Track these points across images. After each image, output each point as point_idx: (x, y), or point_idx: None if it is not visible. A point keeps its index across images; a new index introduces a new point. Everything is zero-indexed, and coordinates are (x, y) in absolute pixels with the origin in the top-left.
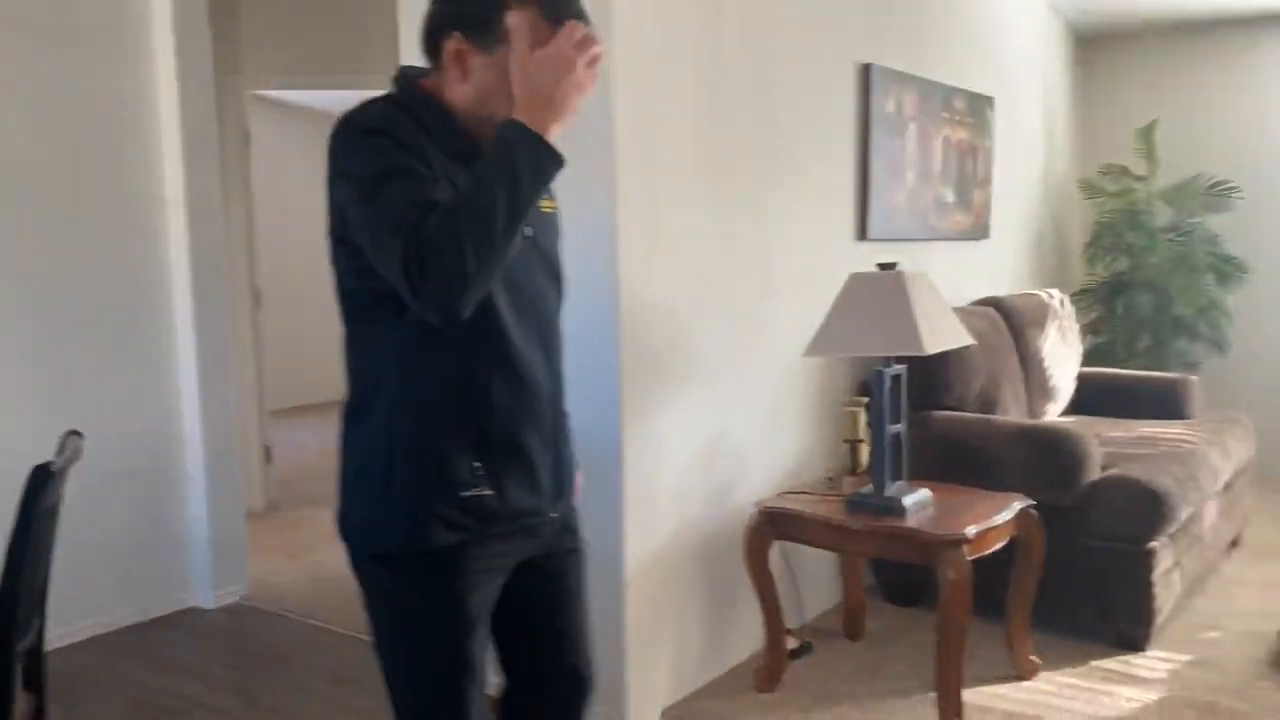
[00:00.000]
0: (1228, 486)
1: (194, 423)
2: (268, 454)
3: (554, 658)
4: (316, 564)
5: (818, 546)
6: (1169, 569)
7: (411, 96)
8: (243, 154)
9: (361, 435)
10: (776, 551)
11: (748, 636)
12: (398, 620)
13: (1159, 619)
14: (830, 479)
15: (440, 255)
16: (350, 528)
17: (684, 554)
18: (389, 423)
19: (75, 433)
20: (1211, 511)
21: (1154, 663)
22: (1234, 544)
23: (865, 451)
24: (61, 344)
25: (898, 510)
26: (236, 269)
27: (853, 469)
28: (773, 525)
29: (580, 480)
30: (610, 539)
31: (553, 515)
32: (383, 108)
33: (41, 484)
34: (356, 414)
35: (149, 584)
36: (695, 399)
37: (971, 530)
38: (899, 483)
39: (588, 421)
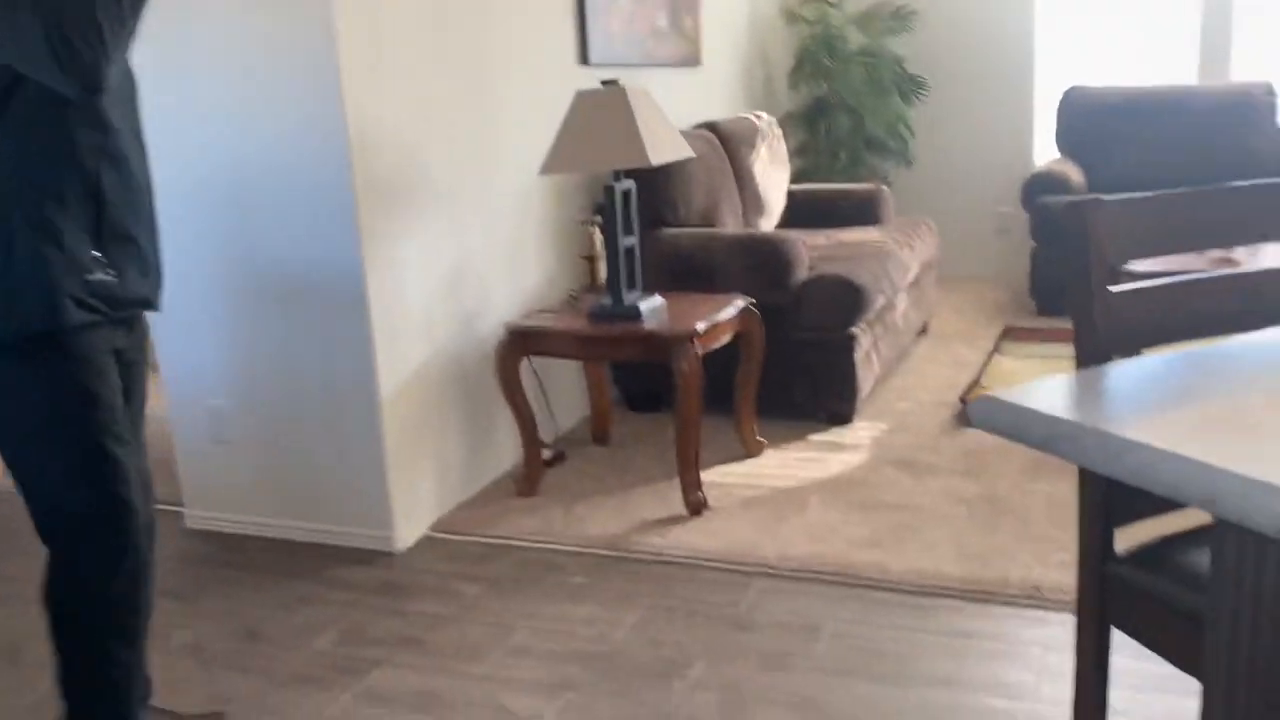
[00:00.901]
0: (916, 281)
1: None
2: None
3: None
4: None
5: (565, 357)
6: (868, 352)
7: None
8: None
9: None
10: (527, 369)
11: (505, 452)
12: (32, 412)
13: (861, 395)
14: (572, 297)
15: (81, 26)
16: None
17: (438, 379)
18: (5, 195)
19: None
20: (903, 302)
21: (859, 433)
22: (922, 332)
23: (602, 267)
24: None
25: (635, 316)
26: None
27: (591, 284)
28: (522, 342)
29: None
30: (361, 368)
31: (154, 306)
32: None
33: None
34: None
35: None
36: (434, 226)
37: (700, 326)
38: (635, 292)
39: (326, 251)
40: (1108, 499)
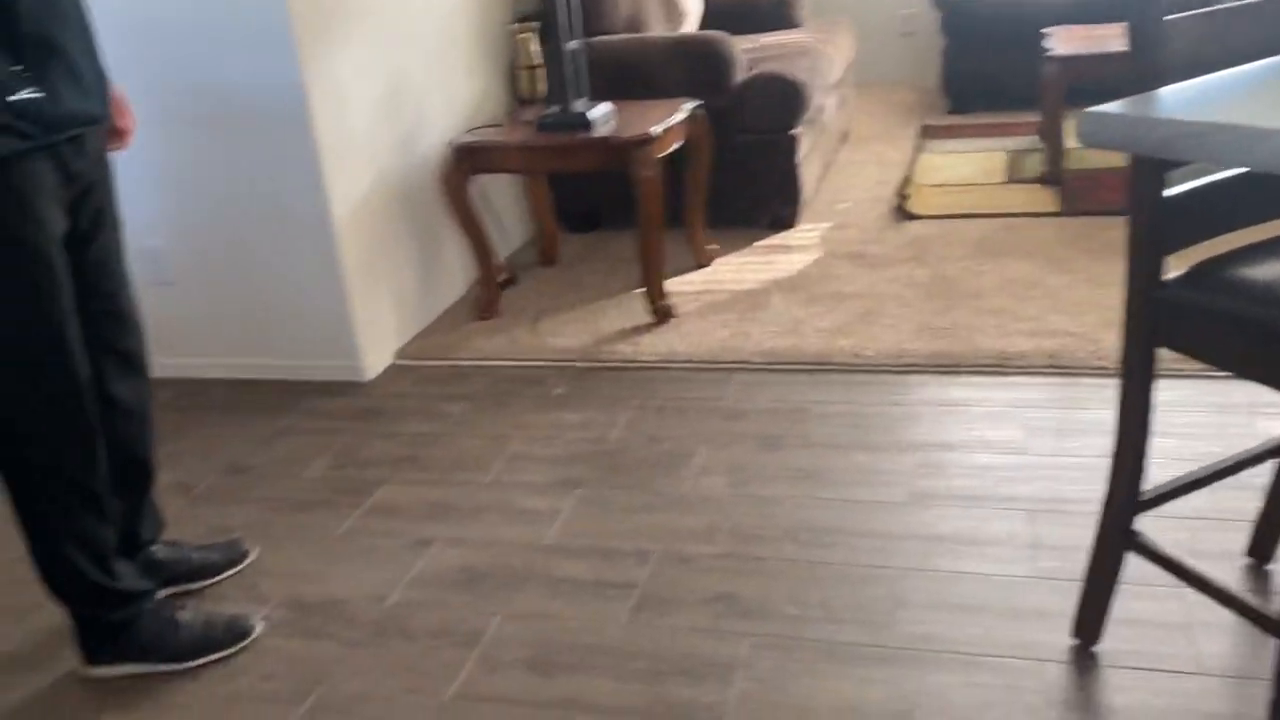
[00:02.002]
0: (839, 82)
1: None
2: None
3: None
4: None
5: (514, 172)
6: (808, 153)
7: None
8: None
9: None
10: (473, 191)
11: (456, 278)
12: None
13: (804, 198)
14: (511, 110)
15: None
16: None
17: (386, 204)
18: None
19: None
20: (831, 104)
21: (804, 234)
22: (844, 137)
23: (542, 76)
24: None
25: (585, 123)
26: None
27: (533, 97)
28: (469, 159)
29: (121, 94)
30: (312, 193)
31: (103, 121)
32: None
33: None
34: None
35: None
36: (367, 42)
37: (656, 129)
38: (582, 99)
39: (265, 74)
40: (1156, 226)
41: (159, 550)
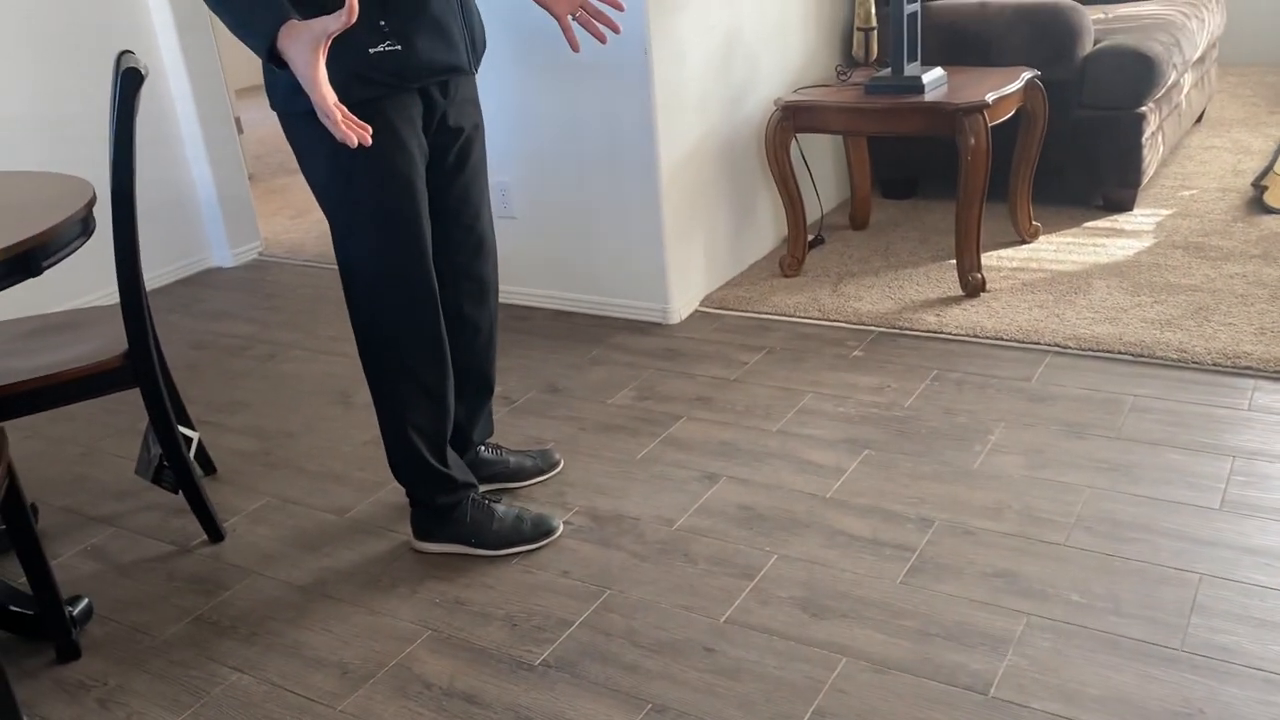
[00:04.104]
0: (1200, 60)
1: (183, 87)
2: (239, 125)
3: (461, 220)
4: (319, 222)
5: (837, 133)
6: (1154, 133)
7: None
8: None
9: None
10: (794, 150)
11: (766, 234)
12: (340, 167)
13: (1144, 180)
14: (841, 72)
15: None
16: (274, 94)
17: (709, 157)
18: None
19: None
20: (1187, 82)
21: (1140, 219)
22: (1200, 119)
23: (876, 39)
24: None
25: (917, 87)
26: None
27: (865, 59)
28: (794, 119)
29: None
30: (644, 144)
31: (469, 72)
32: None
33: (135, 87)
34: None
35: (167, 248)
36: (709, 1)
37: (990, 96)
38: (914, 63)
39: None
40: None
41: (484, 451)
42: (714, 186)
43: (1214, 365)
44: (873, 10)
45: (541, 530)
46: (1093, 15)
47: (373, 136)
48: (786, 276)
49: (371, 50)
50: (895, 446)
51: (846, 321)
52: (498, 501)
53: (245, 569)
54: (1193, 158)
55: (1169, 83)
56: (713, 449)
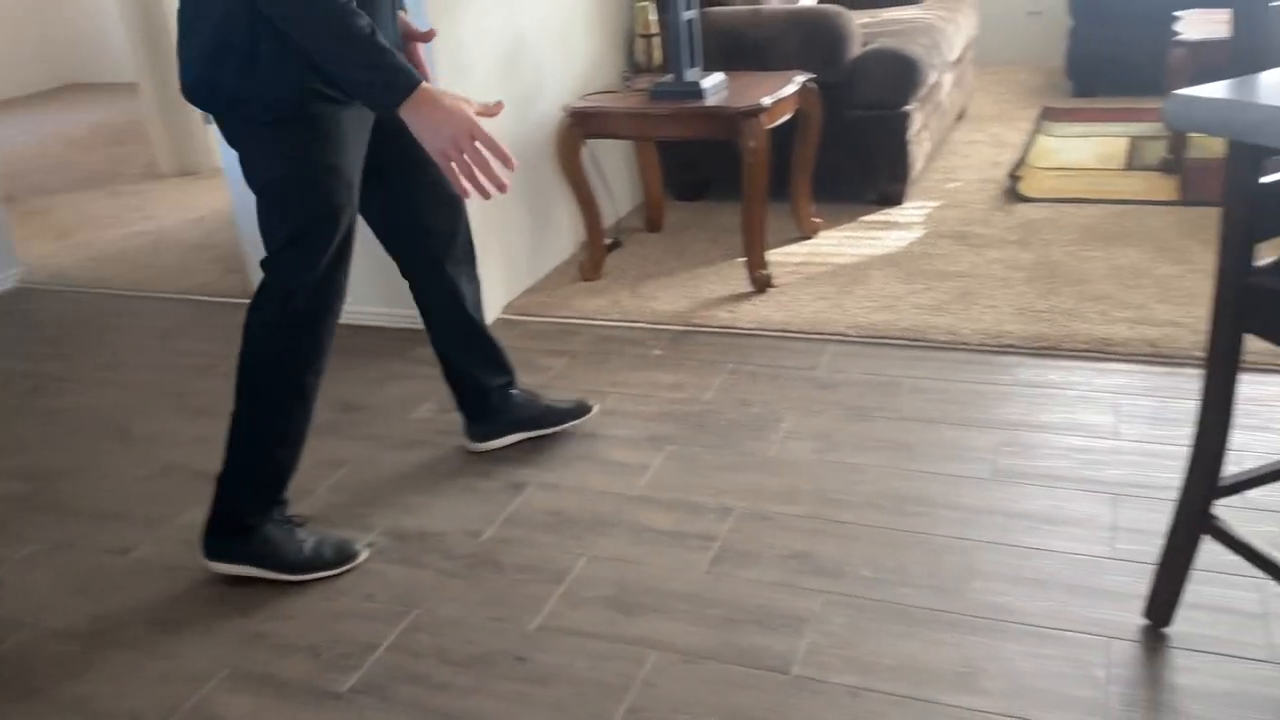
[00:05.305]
0: (958, 60)
1: None
2: None
3: (421, 179)
4: (86, 244)
5: (625, 138)
6: (920, 130)
7: None
8: None
9: (214, 7)
10: (586, 155)
11: (564, 239)
12: (281, 167)
13: (913, 175)
14: (626, 78)
15: None
16: (215, 97)
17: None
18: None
19: None
20: (948, 82)
21: (911, 212)
22: (960, 116)
23: (658, 45)
24: None
25: (698, 92)
26: None
27: (649, 64)
28: (583, 125)
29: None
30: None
31: None
32: None
33: None
34: None
35: None
36: (489, 5)
37: (767, 100)
38: (695, 69)
39: None
40: (1250, 215)
41: (516, 394)
42: (509, 194)
43: (980, 345)
44: (652, 17)
45: (344, 555)
46: (859, 20)
47: (319, 143)
48: (586, 280)
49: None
50: (696, 440)
51: (646, 322)
52: (301, 525)
53: (16, 622)
54: (956, 152)
55: (931, 83)
56: (519, 457)
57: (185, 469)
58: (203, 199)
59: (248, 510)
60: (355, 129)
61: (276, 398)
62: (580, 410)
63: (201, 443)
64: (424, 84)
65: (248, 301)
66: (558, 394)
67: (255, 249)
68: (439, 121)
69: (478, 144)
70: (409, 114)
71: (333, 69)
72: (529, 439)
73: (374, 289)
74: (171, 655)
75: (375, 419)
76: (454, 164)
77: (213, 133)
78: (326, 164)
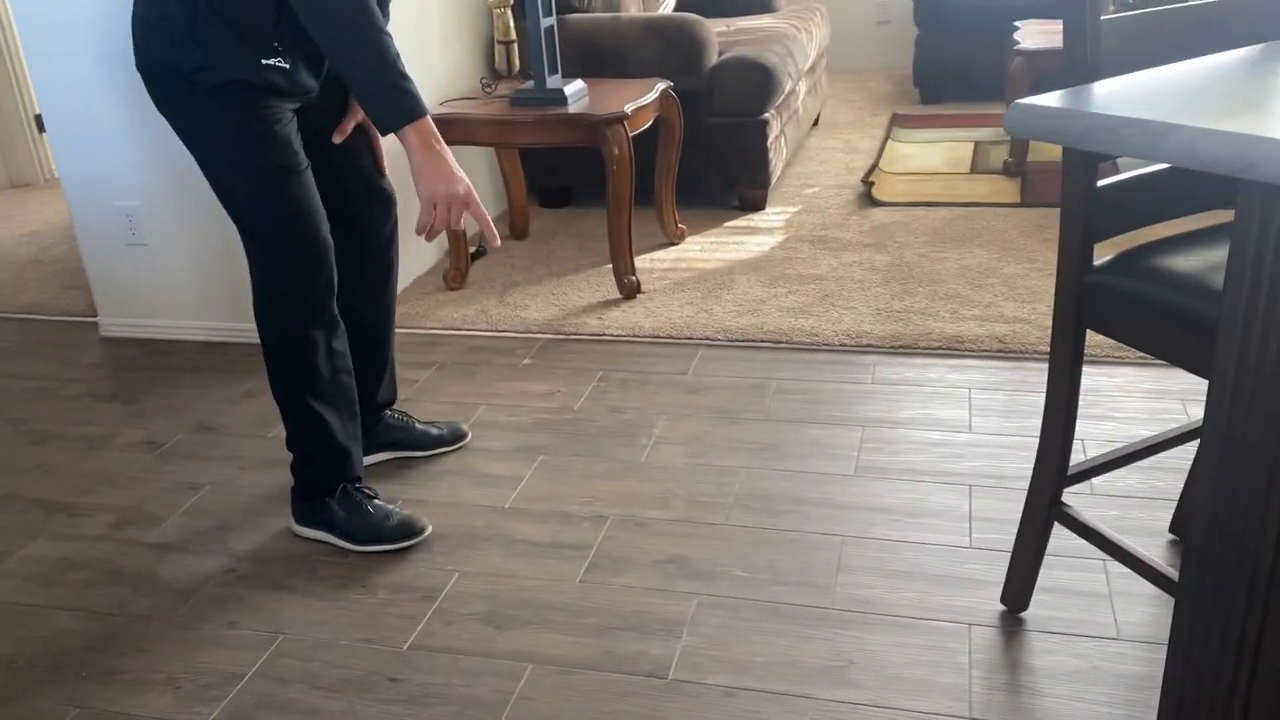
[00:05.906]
0: (812, 68)
1: None
2: None
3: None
4: None
5: (487, 145)
6: (777, 137)
7: None
8: None
9: None
10: None
11: (425, 247)
12: (219, 136)
13: (773, 181)
14: (485, 84)
15: None
16: (157, 67)
17: None
18: None
19: None
20: (803, 89)
21: (772, 217)
22: (815, 123)
23: (517, 51)
24: None
25: (560, 99)
26: None
27: (509, 71)
28: (442, 132)
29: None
30: None
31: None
32: None
33: None
34: None
35: None
36: None
37: (629, 107)
38: (555, 76)
39: None
40: (1088, 215)
41: (390, 417)
42: None
43: (841, 346)
44: (511, 24)
45: (408, 530)
46: (716, 28)
47: (254, 109)
48: (451, 289)
49: (264, 61)
50: (568, 449)
51: (515, 331)
52: (373, 497)
53: None
54: (812, 158)
55: (787, 90)
56: (388, 473)
57: (24, 498)
58: (37, 212)
59: (315, 481)
60: (285, 111)
61: (293, 353)
62: (454, 438)
63: (43, 471)
64: (428, 116)
65: (88, 320)
66: (425, 408)
67: (96, 264)
68: (447, 176)
69: (467, 213)
70: (413, 143)
71: (354, 80)
72: (398, 458)
73: (228, 306)
74: (14, 698)
75: (233, 439)
76: (437, 214)
77: (47, 141)
78: (264, 130)
